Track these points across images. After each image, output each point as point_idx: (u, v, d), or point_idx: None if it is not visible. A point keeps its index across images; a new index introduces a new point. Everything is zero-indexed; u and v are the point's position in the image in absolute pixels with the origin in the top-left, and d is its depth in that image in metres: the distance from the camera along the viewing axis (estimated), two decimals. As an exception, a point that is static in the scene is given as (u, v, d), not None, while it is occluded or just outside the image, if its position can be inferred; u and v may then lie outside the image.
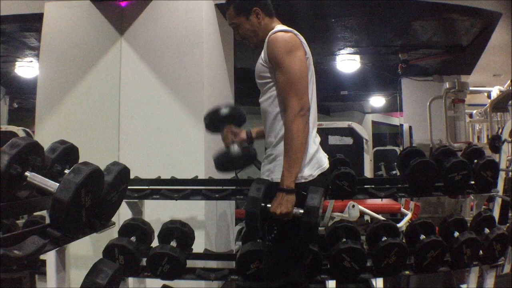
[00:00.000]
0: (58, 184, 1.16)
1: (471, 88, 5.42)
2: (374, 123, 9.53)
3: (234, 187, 2.48)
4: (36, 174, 1.18)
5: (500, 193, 3.11)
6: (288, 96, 1.62)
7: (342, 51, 5.45)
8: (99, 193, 1.31)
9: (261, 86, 1.75)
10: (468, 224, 2.43)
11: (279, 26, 1.76)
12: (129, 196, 2.39)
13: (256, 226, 1.59)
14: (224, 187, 2.48)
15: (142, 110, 3.03)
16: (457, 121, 5.19)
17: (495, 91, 5.61)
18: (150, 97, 3.03)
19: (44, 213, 1.37)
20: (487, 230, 2.40)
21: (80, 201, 1.17)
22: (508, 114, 5.47)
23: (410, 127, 6.27)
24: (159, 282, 2.26)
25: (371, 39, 5.08)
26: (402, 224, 3.60)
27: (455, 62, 5.43)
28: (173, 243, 2.21)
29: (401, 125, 6.64)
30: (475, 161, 2.46)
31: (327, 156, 1.80)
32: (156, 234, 2.30)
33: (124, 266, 2.04)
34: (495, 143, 3.45)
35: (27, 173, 1.17)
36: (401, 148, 6.24)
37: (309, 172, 1.65)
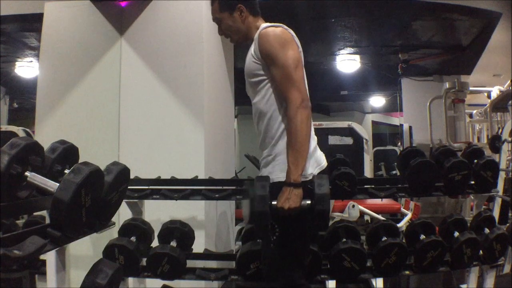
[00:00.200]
0: (58, 184, 1.16)
1: (471, 88, 5.42)
2: (374, 123, 9.53)
3: (234, 187, 2.48)
4: (36, 174, 1.19)
5: (500, 193, 3.11)
6: (287, 89, 1.60)
7: (342, 51, 5.46)
8: (99, 193, 1.31)
9: (255, 85, 1.72)
10: (468, 224, 2.43)
11: (266, 24, 1.74)
12: (129, 196, 2.39)
13: (267, 225, 1.57)
14: (224, 187, 2.48)
15: (142, 110, 3.02)
16: (457, 121, 5.19)
17: (495, 91, 5.61)
18: (150, 97, 3.03)
19: (44, 213, 1.37)
20: (487, 230, 2.40)
21: (80, 201, 1.18)
22: (508, 114, 5.46)
23: (410, 127, 6.27)
24: (159, 282, 2.26)
25: (371, 39, 5.08)
26: (402, 224, 3.61)
27: (455, 62, 5.43)
28: (173, 243, 2.21)
29: (401, 125, 6.64)
30: (475, 161, 2.46)
31: (324, 155, 1.80)
32: (156, 234, 2.30)
33: (124, 266, 2.04)
34: (495, 143, 3.46)
35: (27, 173, 1.17)
36: (401, 148, 6.24)
37: (309, 170, 1.64)
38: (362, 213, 3.70)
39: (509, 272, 2.81)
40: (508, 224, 2.79)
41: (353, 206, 3.63)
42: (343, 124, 5.99)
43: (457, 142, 4.94)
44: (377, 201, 3.50)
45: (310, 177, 1.63)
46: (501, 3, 3.92)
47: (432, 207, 4.86)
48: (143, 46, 3.06)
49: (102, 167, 1.36)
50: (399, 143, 6.93)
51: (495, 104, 5.37)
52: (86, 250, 2.44)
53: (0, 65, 5.30)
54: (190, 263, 2.25)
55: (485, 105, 5.99)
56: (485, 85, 6.16)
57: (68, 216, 1.15)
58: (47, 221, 1.24)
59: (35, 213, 2.18)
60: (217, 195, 2.47)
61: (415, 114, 6.22)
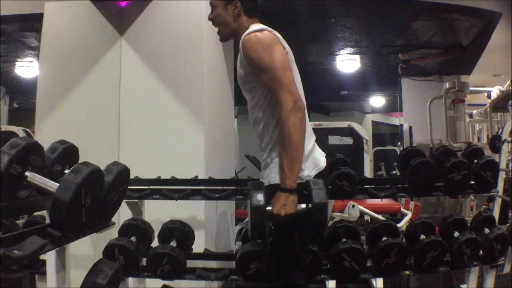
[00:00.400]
0: (58, 184, 1.16)
1: (471, 88, 5.42)
2: (374, 123, 9.53)
3: (234, 187, 2.48)
4: (36, 174, 1.19)
5: (500, 193, 3.11)
6: (278, 93, 1.57)
7: (342, 51, 5.46)
8: (99, 193, 1.31)
9: (248, 92, 1.72)
10: (468, 224, 2.43)
11: (254, 26, 1.70)
12: (129, 196, 2.39)
13: (264, 234, 1.55)
14: (224, 187, 2.48)
15: (142, 110, 3.02)
16: (457, 121, 5.19)
17: (495, 91, 5.61)
18: (150, 97, 3.03)
19: (44, 213, 1.37)
20: (487, 230, 2.39)
21: (80, 201, 1.18)
22: (508, 114, 5.46)
23: (410, 127, 6.27)
24: (159, 282, 2.26)
25: (371, 39, 5.08)
26: (402, 224, 3.61)
27: (455, 62, 5.43)
28: (173, 243, 2.21)
29: (401, 125, 6.64)
30: (475, 161, 2.46)
31: (324, 155, 1.79)
32: (156, 234, 2.30)
33: (124, 266, 2.04)
34: (495, 143, 3.46)
35: (27, 173, 1.17)
36: (401, 148, 6.24)
37: (307, 172, 1.63)
38: (362, 213, 3.70)
39: (509, 272, 2.81)
40: (508, 224, 2.79)
41: (353, 206, 3.63)
42: (343, 124, 5.99)
43: (457, 142, 4.94)
44: (377, 201, 3.50)
45: (307, 180, 1.62)
46: (501, 3, 3.92)
47: (432, 207, 4.85)
48: (143, 46, 3.06)
49: (102, 167, 1.36)
50: (399, 143, 6.93)
51: (495, 104, 5.37)
52: (86, 250, 2.44)
53: (0, 65, 5.30)
54: (190, 263, 2.25)
55: (485, 105, 5.99)
56: (485, 85, 6.16)
57: (68, 216, 1.15)
58: (47, 221, 1.24)
59: (35, 213, 2.18)
60: (217, 195, 2.47)
61: (415, 114, 6.22)
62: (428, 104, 5.50)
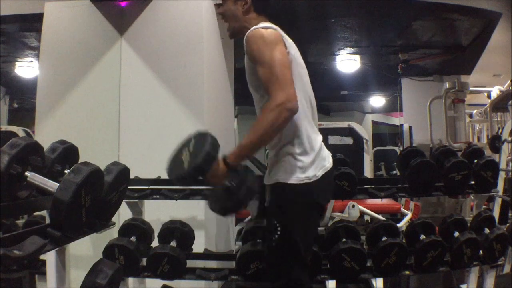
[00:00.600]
0: (58, 184, 1.16)
1: (471, 88, 5.42)
2: (374, 123, 9.52)
3: (234, 187, 2.48)
4: (36, 174, 1.19)
5: (500, 193, 3.11)
6: (271, 89, 1.53)
7: (342, 51, 5.46)
8: (99, 193, 1.31)
9: (255, 89, 1.71)
10: (468, 224, 2.43)
11: (262, 24, 1.68)
12: (129, 196, 2.39)
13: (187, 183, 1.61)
14: (224, 187, 2.47)
15: (142, 110, 3.02)
16: (457, 121, 5.19)
17: (495, 91, 5.61)
18: (150, 97, 3.02)
19: (44, 213, 1.38)
20: (487, 230, 2.39)
21: (80, 201, 1.18)
22: (508, 114, 5.46)
23: (410, 127, 6.27)
24: (159, 282, 2.26)
25: (371, 39, 5.08)
26: (402, 224, 3.60)
27: (455, 62, 5.43)
28: (173, 243, 2.21)
29: (401, 125, 6.64)
30: (475, 161, 2.46)
31: (330, 154, 1.79)
32: (156, 234, 2.30)
33: (124, 266, 2.04)
34: (495, 143, 3.46)
35: (27, 173, 1.17)
36: (401, 148, 6.24)
37: (313, 172, 1.63)
38: (362, 213, 3.69)
39: (509, 272, 2.81)
40: (508, 224, 2.79)
41: (353, 206, 3.62)
42: (343, 124, 5.99)
43: (457, 142, 4.94)
44: (377, 201, 3.49)
45: (314, 179, 1.61)
46: (501, 3, 3.92)
47: (432, 207, 4.85)
48: (143, 46, 3.06)
49: (102, 167, 1.37)
50: (400, 144, 6.93)
51: (495, 104, 5.37)
52: (86, 250, 2.43)
53: (0, 65, 5.30)
54: (190, 263, 2.25)
55: (485, 105, 5.99)
56: (485, 85, 6.16)
57: (68, 216, 1.15)
58: (47, 221, 1.24)
59: (35, 213, 2.18)
60: (217, 195, 2.47)
61: (415, 114, 6.22)
62: (428, 104, 5.50)
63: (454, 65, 5.60)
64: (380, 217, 3.62)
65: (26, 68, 5.39)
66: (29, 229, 1.15)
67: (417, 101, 6.13)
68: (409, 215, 3.88)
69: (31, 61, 5.23)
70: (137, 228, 2.26)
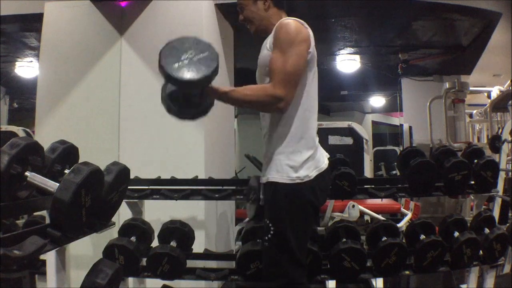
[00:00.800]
0: (58, 184, 1.16)
1: (471, 88, 5.42)
2: (374, 123, 9.52)
3: (234, 187, 2.48)
4: (36, 174, 1.19)
5: (500, 193, 3.11)
6: (278, 79, 1.60)
7: (342, 51, 5.45)
8: (99, 193, 1.31)
9: (264, 75, 1.72)
10: (468, 224, 2.43)
11: (292, 18, 1.73)
12: (129, 196, 2.39)
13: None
14: (224, 187, 2.48)
15: (142, 110, 3.02)
16: (457, 121, 5.18)
17: (495, 91, 5.61)
18: (150, 97, 3.02)
19: (44, 213, 1.37)
20: (487, 230, 2.39)
21: (80, 201, 1.18)
22: (508, 114, 5.46)
23: (410, 127, 6.27)
24: (159, 282, 2.26)
25: (371, 39, 5.07)
26: (402, 224, 3.60)
27: (455, 62, 5.42)
28: (173, 243, 2.21)
29: (401, 125, 6.64)
30: (475, 161, 2.46)
31: (328, 156, 1.79)
32: (156, 234, 2.30)
33: (124, 266, 2.04)
34: (495, 143, 3.46)
35: (27, 173, 1.17)
36: (401, 148, 6.24)
37: (306, 172, 1.64)
38: (362, 213, 3.69)
39: (509, 272, 2.81)
40: (508, 224, 2.78)
41: (353, 206, 3.62)
42: (343, 124, 5.98)
43: (457, 142, 4.94)
44: (377, 201, 3.50)
45: (306, 179, 1.63)
46: (501, 3, 3.92)
47: (432, 207, 4.85)
48: (143, 46, 3.06)
49: (102, 167, 1.36)
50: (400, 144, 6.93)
51: (495, 104, 5.36)
52: (86, 250, 2.44)
53: (0, 65, 5.29)
54: (190, 263, 2.25)
55: (485, 105, 5.99)
56: (485, 85, 6.15)
57: (68, 216, 1.15)
58: (47, 221, 1.24)
59: (35, 213, 2.18)
60: (217, 195, 2.47)
61: (415, 114, 6.21)
62: (428, 104, 5.49)
63: (454, 65, 5.60)
64: (380, 217, 3.62)
65: (26, 68, 5.38)
66: (29, 229, 1.15)
67: (417, 101, 6.12)
68: (409, 215, 3.88)
69: (31, 61, 5.22)
70: (137, 228, 2.26)
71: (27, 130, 4.51)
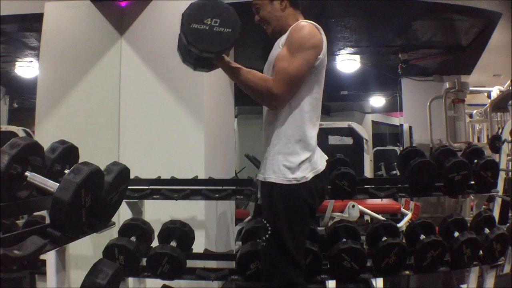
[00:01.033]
0: (58, 184, 1.16)
1: (471, 88, 5.42)
2: (374, 123, 9.51)
3: (234, 187, 2.48)
4: (36, 174, 1.18)
5: (500, 193, 3.11)
6: (279, 78, 1.62)
7: (342, 51, 5.45)
8: (99, 193, 1.31)
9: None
10: (468, 224, 2.43)
11: (308, 21, 1.75)
12: (129, 196, 2.39)
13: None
14: (224, 187, 2.48)
15: (142, 110, 3.03)
16: (457, 121, 5.19)
17: (495, 91, 5.61)
18: (150, 97, 3.03)
19: (44, 213, 1.37)
20: (487, 230, 2.40)
21: (80, 201, 1.18)
22: (508, 114, 5.46)
23: (410, 127, 6.27)
24: (159, 282, 2.26)
25: (371, 39, 5.07)
26: (402, 224, 3.60)
27: (455, 62, 5.42)
28: (173, 243, 2.21)
29: (401, 125, 6.63)
30: (475, 161, 2.46)
31: (326, 158, 1.80)
32: (156, 234, 2.30)
33: (124, 266, 2.04)
34: (495, 143, 3.46)
35: (27, 173, 1.17)
36: (401, 148, 6.24)
37: (302, 174, 1.65)
38: (362, 213, 3.69)
39: (509, 272, 2.81)
40: (508, 224, 2.78)
41: (353, 206, 3.62)
42: (343, 124, 5.98)
43: (457, 142, 4.94)
44: (377, 201, 3.49)
45: (303, 181, 1.64)
46: (501, 3, 3.92)
47: (432, 207, 4.85)
48: (143, 46, 3.06)
49: (102, 167, 1.36)
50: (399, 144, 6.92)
51: (495, 104, 5.36)
52: (86, 250, 2.44)
53: (0, 65, 5.29)
54: (190, 263, 2.25)
55: (485, 105, 5.99)
56: (485, 85, 6.15)
57: (68, 216, 1.15)
58: (47, 221, 1.24)
59: (35, 213, 2.18)
60: (217, 195, 2.47)
61: (415, 114, 6.21)
62: (428, 104, 5.49)
63: (454, 65, 5.60)
64: (380, 217, 3.61)
65: (26, 68, 5.37)
66: (29, 229, 1.15)
67: (417, 101, 6.12)
68: (409, 215, 3.88)
69: (31, 61, 5.22)
70: (137, 228, 2.26)
71: (27, 130, 4.51)
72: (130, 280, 2.42)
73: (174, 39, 2.99)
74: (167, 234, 2.26)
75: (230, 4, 1.60)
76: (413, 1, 3.79)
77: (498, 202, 3.19)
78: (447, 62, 5.51)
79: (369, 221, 3.71)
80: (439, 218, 2.72)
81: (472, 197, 3.17)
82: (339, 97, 7.92)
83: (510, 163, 3.75)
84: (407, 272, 2.27)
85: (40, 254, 1.12)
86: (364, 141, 5.77)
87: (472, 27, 4.37)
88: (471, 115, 6.61)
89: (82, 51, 3.10)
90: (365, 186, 2.46)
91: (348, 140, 5.83)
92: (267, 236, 1.65)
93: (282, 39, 1.72)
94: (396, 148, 7.18)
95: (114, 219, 1.54)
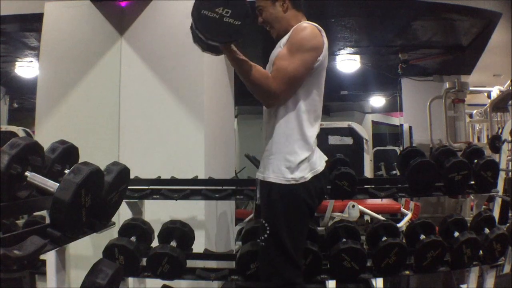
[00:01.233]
0: (58, 184, 1.16)
1: (471, 88, 5.42)
2: (374, 123, 9.51)
3: (234, 187, 2.48)
4: (36, 174, 1.18)
5: (500, 193, 3.11)
6: (278, 76, 1.63)
7: (342, 51, 5.45)
8: (99, 193, 1.31)
9: None
10: (468, 224, 2.43)
11: (310, 22, 1.75)
12: (129, 196, 2.39)
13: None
14: (224, 187, 2.48)
15: (142, 110, 3.03)
16: (457, 121, 5.18)
17: (495, 91, 5.61)
18: (150, 97, 3.03)
19: (44, 213, 1.37)
20: (487, 230, 2.40)
21: (80, 201, 1.18)
22: (508, 114, 5.46)
23: (410, 127, 6.27)
24: (159, 282, 2.26)
25: (371, 39, 5.07)
26: (402, 224, 3.60)
27: (455, 62, 5.42)
28: (173, 243, 2.21)
29: (401, 125, 6.64)
30: (475, 161, 2.46)
31: (326, 159, 1.80)
32: (156, 234, 2.30)
33: (124, 266, 2.04)
34: (495, 143, 3.46)
35: (27, 173, 1.17)
36: (401, 148, 6.24)
37: (301, 174, 1.65)
38: (362, 213, 3.69)
39: (509, 272, 2.81)
40: (508, 224, 2.78)
41: (353, 206, 3.62)
42: (343, 124, 5.98)
43: (457, 142, 4.94)
44: (377, 201, 3.50)
45: (302, 181, 1.64)
46: (501, 3, 3.92)
47: (432, 207, 4.85)
48: (143, 46, 3.06)
49: (102, 167, 1.36)
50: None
51: (495, 104, 5.36)
52: (86, 250, 2.44)
53: (0, 65, 5.29)
54: (190, 263, 2.25)
55: (485, 105, 5.99)
56: (485, 85, 6.15)
57: (68, 216, 1.15)
58: (47, 221, 1.24)
59: (35, 213, 2.18)
60: (217, 195, 2.47)
61: (415, 114, 6.21)
62: (428, 104, 5.49)
63: (454, 65, 5.60)
64: (380, 217, 3.62)
65: (26, 68, 5.37)
66: (29, 229, 1.15)
67: (417, 101, 6.12)
68: (409, 215, 3.88)
69: (31, 61, 5.22)
70: (137, 228, 2.26)
71: (27, 130, 4.51)
72: (130, 280, 2.41)
73: (174, 39, 3.02)
74: (167, 234, 2.26)
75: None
76: (413, 1, 3.79)
77: (498, 202, 3.19)
78: (447, 62, 5.51)
79: (369, 221, 3.71)
80: (439, 218, 2.72)
81: (472, 197, 3.17)
82: (339, 97, 7.92)
83: (510, 163, 3.75)
84: (407, 272, 2.27)
85: (40, 254, 1.12)
86: (364, 141, 5.77)
87: (472, 27, 4.37)
88: (471, 115, 6.61)
89: (82, 51, 3.10)
90: (365, 186, 2.46)
91: (348, 140, 5.83)
92: (265, 236, 1.65)
93: (283, 39, 1.73)
94: (396, 148, 7.18)
95: (114, 219, 1.54)
